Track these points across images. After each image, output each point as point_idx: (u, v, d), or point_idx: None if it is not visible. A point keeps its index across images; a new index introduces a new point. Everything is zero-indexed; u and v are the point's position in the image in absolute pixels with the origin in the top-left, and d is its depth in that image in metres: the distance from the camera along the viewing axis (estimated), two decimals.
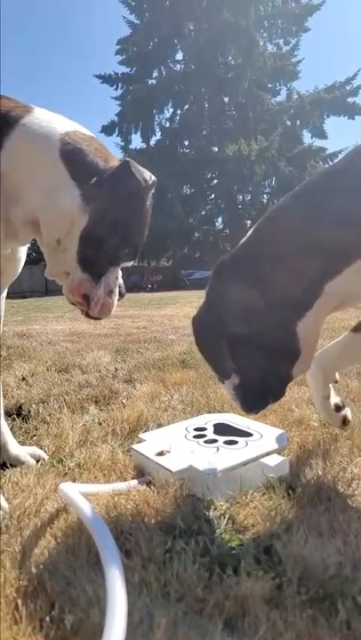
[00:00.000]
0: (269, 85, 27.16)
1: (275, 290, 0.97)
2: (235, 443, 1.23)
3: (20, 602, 0.75)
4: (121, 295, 1.22)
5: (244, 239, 1.06)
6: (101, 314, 1.19)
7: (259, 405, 1.12)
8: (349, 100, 25.28)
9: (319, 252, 0.95)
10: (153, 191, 1.14)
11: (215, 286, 1.05)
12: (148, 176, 1.12)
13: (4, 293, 1.35)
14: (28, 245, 1.28)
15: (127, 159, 1.11)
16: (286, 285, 0.97)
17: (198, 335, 1.11)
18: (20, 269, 1.30)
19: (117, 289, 1.20)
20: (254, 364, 1.03)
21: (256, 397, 1.08)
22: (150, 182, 1.12)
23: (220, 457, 1.16)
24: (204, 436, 1.30)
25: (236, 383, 1.07)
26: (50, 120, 1.09)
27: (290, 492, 1.10)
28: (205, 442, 1.26)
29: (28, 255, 1.41)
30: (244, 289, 0.99)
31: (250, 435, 1.27)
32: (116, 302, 1.20)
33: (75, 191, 1.07)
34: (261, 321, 0.99)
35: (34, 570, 0.84)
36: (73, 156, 1.07)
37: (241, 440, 1.24)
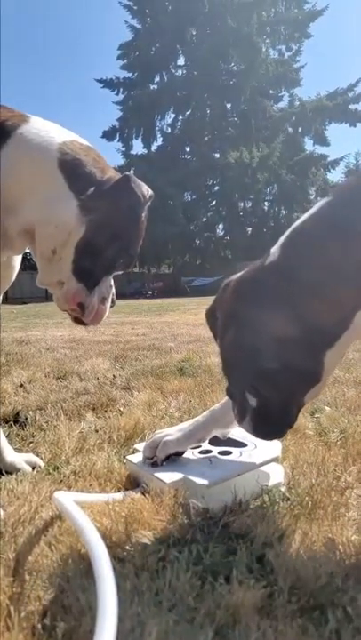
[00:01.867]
0: (271, 92, 27.39)
1: (308, 319, 0.91)
2: (229, 453, 1.24)
3: (12, 609, 0.76)
4: (112, 303, 1.23)
5: (271, 257, 0.96)
6: (95, 321, 1.21)
7: (277, 434, 1.08)
8: (351, 106, 25.46)
9: (355, 284, 0.89)
10: (149, 203, 1.16)
11: (241, 311, 0.96)
12: (146, 190, 1.14)
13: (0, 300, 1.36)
14: (28, 251, 1.29)
15: (128, 174, 1.12)
16: (321, 315, 0.92)
17: (226, 357, 1.02)
18: (14, 277, 1.31)
19: (110, 297, 1.21)
20: (276, 392, 0.97)
21: (274, 425, 1.02)
22: (148, 197, 1.14)
23: (215, 468, 1.16)
24: (199, 446, 1.31)
25: (250, 406, 1.00)
26: (47, 129, 1.10)
27: (284, 500, 1.11)
28: (200, 452, 1.27)
29: (29, 260, 1.42)
30: (277, 318, 0.91)
31: (244, 445, 1.28)
32: (108, 309, 1.22)
33: (73, 202, 1.08)
34: (292, 351, 0.92)
35: (27, 577, 0.84)
36: (71, 167, 1.08)
37: (235, 450, 1.25)
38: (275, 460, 1.23)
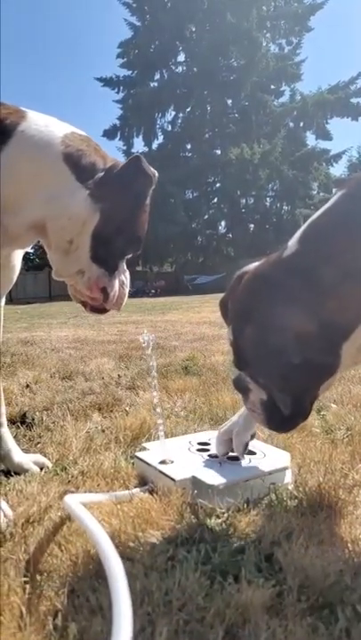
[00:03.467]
0: (272, 87, 27.21)
1: (326, 312, 0.91)
2: (237, 459, 1.24)
3: (24, 610, 0.77)
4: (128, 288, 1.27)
5: (288, 251, 0.96)
6: (117, 306, 1.24)
7: (290, 426, 1.06)
8: (353, 100, 25.27)
9: None
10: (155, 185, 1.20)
11: (262, 306, 0.95)
12: (153, 172, 1.17)
13: (3, 301, 1.36)
14: (32, 251, 1.30)
15: (137, 155, 1.15)
16: (340, 309, 0.92)
17: (243, 350, 1.01)
18: (15, 277, 1.31)
19: (127, 281, 1.25)
20: (292, 385, 0.96)
21: (288, 418, 1.01)
22: (155, 177, 1.18)
23: (224, 470, 1.17)
24: (207, 450, 1.31)
25: (263, 399, 1.01)
26: (47, 124, 1.10)
27: (291, 499, 1.11)
28: (209, 456, 1.27)
29: (32, 261, 1.43)
30: (296, 312, 0.91)
31: (253, 453, 1.27)
32: (127, 293, 1.25)
33: (82, 192, 1.09)
34: (310, 345, 0.92)
35: (38, 578, 0.85)
36: (76, 159, 1.09)
37: (245, 458, 1.24)
38: (284, 469, 1.22)
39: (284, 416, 0.99)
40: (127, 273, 1.25)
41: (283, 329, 0.91)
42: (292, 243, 0.97)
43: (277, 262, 0.98)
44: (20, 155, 1.06)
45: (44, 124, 1.09)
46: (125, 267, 1.24)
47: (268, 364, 0.95)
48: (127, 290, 1.25)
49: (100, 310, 1.26)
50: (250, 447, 1.28)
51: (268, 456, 1.26)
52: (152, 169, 1.17)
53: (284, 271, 0.95)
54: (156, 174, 1.19)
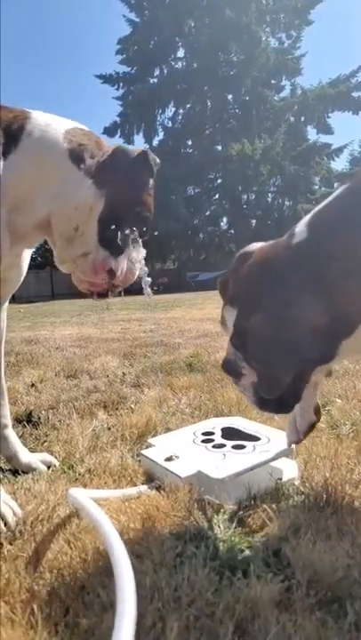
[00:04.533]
0: (273, 81, 27.06)
1: (337, 306, 0.91)
2: (242, 447, 1.25)
3: (35, 607, 0.77)
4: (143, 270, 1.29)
5: (297, 238, 0.96)
6: (126, 282, 1.25)
7: (282, 408, 1.06)
8: (354, 94, 25.10)
9: None
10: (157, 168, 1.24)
11: (273, 292, 0.95)
12: (154, 159, 1.23)
13: (6, 303, 1.36)
14: (33, 251, 1.30)
15: (146, 150, 1.21)
16: (350, 303, 0.92)
17: (254, 334, 0.99)
18: (22, 277, 1.32)
19: (141, 258, 1.26)
20: (286, 369, 0.96)
21: (280, 400, 1.01)
22: (157, 163, 1.23)
23: (228, 462, 1.17)
24: (212, 440, 1.32)
25: (255, 382, 1.02)
26: (49, 122, 1.12)
27: (298, 494, 1.12)
28: (213, 446, 1.28)
29: (34, 260, 1.44)
30: (313, 304, 0.91)
31: (258, 439, 1.29)
32: (138, 270, 1.26)
33: (87, 181, 1.12)
34: (320, 337, 0.92)
35: (48, 575, 0.86)
36: (79, 153, 1.12)
37: (249, 444, 1.25)
38: (288, 453, 1.23)
39: (276, 398, 1.00)
40: (143, 252, 1.26)
41: (295, 320, 0.91)
42: (301, 229, 0.96)
43: (283, 247, 0.97)
44: (28, 158, 1.08)
45: (46, 124, 1.11)
46: (143, 252, 1.26)
47: (270, 350, 0.96)
48: (138, 266, 1.26)
49: (105, 294, 1.27)
50: (254, 433, 1.30)
51: (273, 440, 1.27)
52: (153, 155, 1.22)
53: (292, 255, 0.95)
54: (157, 160, 1.23)
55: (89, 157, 1.13)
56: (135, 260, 1.25)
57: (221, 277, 1.12)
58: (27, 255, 1.29)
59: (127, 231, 1.20)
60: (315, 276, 0.92)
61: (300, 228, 0.97)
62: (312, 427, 1.20)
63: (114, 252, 1.19)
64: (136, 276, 1.27)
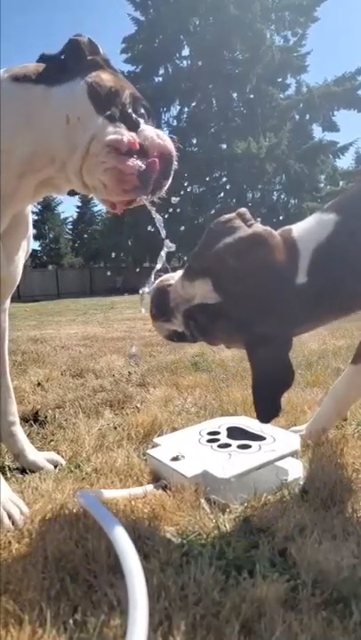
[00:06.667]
0: (278, 80, 26.92)
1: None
2: (248, 447, 1.25)
3: (43, 605, 0.78)
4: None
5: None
6: (161, 148, 1.07)
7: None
8: (360, 92, 24.95)
9: None
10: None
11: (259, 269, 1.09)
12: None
13: (8, 301, 1.36)
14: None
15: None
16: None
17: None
18: (18, 277, 1.27)
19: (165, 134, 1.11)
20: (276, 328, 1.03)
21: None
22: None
23: (234, 462, 1.18)
24: (218, 440, 1.32)
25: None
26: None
27: (303, 494, 1.12)
28: (219, 446, 1.28)
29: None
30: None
31: (263, 438, 1.29)
32: (168, 138, 1.10)
33: (78, 82, 1.08)
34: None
35: (56, 574, 0.87)
36: (18, 75, 1.06)
37: (254, 444, 1.26)
38: (294, 453, 1.24)
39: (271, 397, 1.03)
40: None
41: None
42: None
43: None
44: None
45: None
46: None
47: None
48: (162, 142, 1.07)
49: (147, 185, 1.04)
50: (259, 432, 1.31)
51: (278, 440, 1.27)
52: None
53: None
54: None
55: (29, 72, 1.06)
56: (159, 134, 1.07)
57: (196, 249, 1.18)
58: (22, 254, 1.24)
59: (128, 109, 1.08)
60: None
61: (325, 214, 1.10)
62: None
63: (128, 127, 1.04)
64: (169, 143, 1.08)
